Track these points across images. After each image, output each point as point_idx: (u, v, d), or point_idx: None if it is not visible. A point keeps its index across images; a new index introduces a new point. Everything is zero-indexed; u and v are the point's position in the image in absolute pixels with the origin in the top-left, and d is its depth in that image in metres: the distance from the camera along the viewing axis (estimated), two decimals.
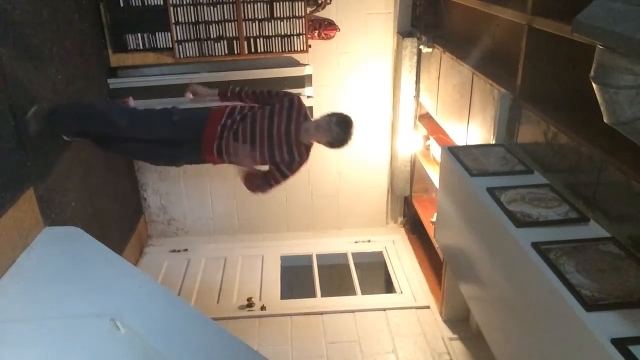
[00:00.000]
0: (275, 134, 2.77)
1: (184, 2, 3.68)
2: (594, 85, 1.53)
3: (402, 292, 3.98)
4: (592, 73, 1.53)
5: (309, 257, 4.41)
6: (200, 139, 2.82)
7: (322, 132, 2.74)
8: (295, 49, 3.91)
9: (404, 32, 4.11)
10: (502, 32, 2.86)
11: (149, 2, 3.68)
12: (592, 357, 1.41)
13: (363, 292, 3.98)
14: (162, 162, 3.26)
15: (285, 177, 2.85)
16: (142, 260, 4.35)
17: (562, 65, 2.33)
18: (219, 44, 3.83)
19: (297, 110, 2.82)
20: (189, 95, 3.02)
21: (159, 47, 3.79)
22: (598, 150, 1.88)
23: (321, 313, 3.70)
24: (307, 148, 2.86)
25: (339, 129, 2.71)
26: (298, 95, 2.92)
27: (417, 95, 4.14)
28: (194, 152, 2.87)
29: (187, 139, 2.85)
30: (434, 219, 3.47)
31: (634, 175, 1.69)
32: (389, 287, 4.41)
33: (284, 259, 4.42)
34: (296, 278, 4.39)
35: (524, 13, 2.31)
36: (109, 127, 2.84)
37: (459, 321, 3.56)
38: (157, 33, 3.76)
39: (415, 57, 4.01)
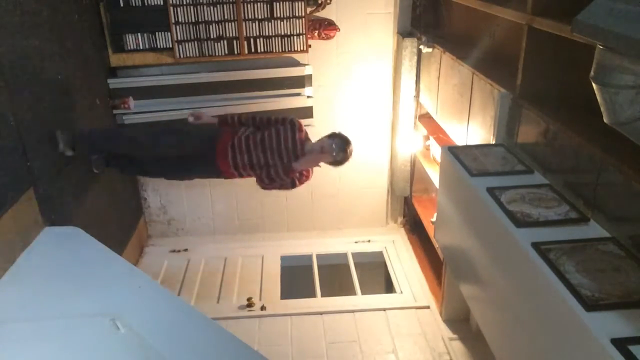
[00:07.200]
0: (283, 151, 3.02)
1: (184, 2, 3.68)
2: (594, 85, 1.53)
3: (402, 292, 3.98)
4: (592, 73, 1.53)
5: (309, 257, 4.41)
6: (215, 146, 3.05)
7: (325, 155, 3.00)
8: (295, 49, 3.91)
9: (404, 32, 4.11)
10: (502, 32, 2.86)
11: (149, 2, 3.68)
12: (592, 357, 1.41)
13: (363, 292, 3.98)
14: (178, 175, 3.43)
15: (293, 186, 3.13)
16: (142, 260, 4.35)
17: (562, 65, 2.32)
18: (219, 44, 3.83)
19: (299, 132, 3.07)
20: (191, 118, 3.23)
21: (158, 47, 3.79)
22: (598, 150, 1.87)
23: (321, 313, 3.70)
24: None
25: (342, 154, 3.00)
26: (297, 120, 3.13)
27: (417, 95, 4.14)
28: (209, 161, 3.07)
29: (201, 147, 3.09)
30: (434, 219, 3.47)
31: (634, 175, 1.69)
32: (389, 287, 4.41)
33: (284, 259, 4.42)
34: (296, 278, 4.39)
35: (524, 13, 2.30)
36: (134, 145, 3.18)
37: (459, 321, 3.56)
38: (157, 33, 3.76)
39: (415, 57, 4.01)
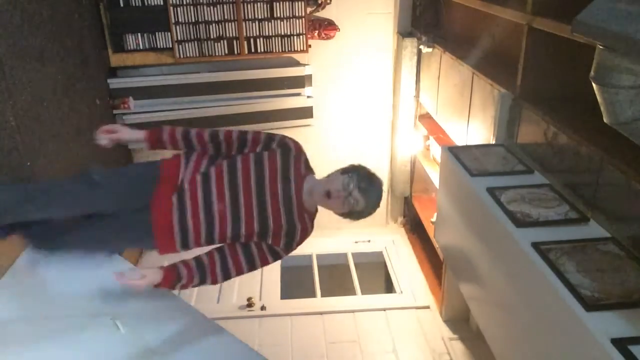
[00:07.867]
0: (268, 193, 1.83)
1: (184, 2, 3.68)
2: (594, 85, 1.53)
3: (402, 292, 3.98)
4: (592, 73, 1.53)
5: (309, 257, 4.40)
6: (149, 198, 1.86)
7: (335, 201, 1.85)
8: (295, 49, 3.91)
9: (404, 32, 4.11)
10: (502, 32, 2.86)
11: (149, 2, 3.68)
12: (592, 357, 1.41)
13: (363, 292, 3.98)
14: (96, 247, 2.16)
15: (277, 258, 2.11)
16: (142, 260, 4.34)
17: (562, 65, 2.32)
18: (219, 44, 3.83)
19: (296, 159, 1.87)
20: (104, 140, 1.91)
21: (159, 47, 3.79)
22: (598, 150, 1.87)
23: (321, 313, 3.70)
24: (312, 216, 2.01)
25: (364, 202, 1.82)
26: (292, 138, 1.95)
27: (417, 95, 4.14)
28: (140, 225, 1.88)
29: (128, 204, 1.89)
30: (434, 219, 3.47)
31: (634, 175, 1.69)
32: (389, 287, 4.41)
33: (284, 259, 4.41)
34: (296, 278, 4.39)
35: (524, 13, 2.31)
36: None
37: (459, 321, 3.56)
38: (157, 33, 3.76)
39: (415, 57, 4.01)
